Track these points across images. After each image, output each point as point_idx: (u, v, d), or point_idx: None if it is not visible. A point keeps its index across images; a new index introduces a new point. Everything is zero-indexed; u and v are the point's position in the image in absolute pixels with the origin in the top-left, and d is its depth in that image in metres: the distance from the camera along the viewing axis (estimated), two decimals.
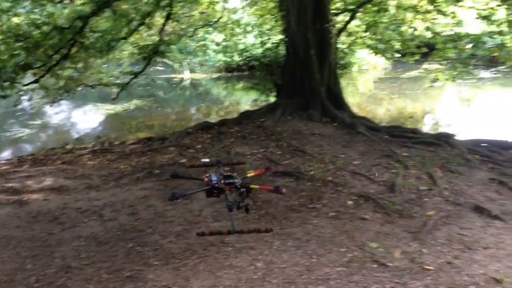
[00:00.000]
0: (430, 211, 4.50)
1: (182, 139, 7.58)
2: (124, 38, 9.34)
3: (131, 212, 4.79)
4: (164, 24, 10.33)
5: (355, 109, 11.63)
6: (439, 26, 11.33)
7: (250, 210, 4.31)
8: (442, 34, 11.34)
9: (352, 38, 11.92)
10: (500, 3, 9.70)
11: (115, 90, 10.64)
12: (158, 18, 10.73)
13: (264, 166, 5.27)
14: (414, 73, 18.54)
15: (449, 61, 11.71)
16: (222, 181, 3.27)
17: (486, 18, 10.49)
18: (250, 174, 3.82)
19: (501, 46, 11.16)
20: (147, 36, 11.36)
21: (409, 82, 17.38)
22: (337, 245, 3.88)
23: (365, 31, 10.99)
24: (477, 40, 11.17)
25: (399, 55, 12.86)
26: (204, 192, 3.30)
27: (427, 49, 11.94)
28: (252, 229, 3.51)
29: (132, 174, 6.00)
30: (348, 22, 9.54)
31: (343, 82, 16.29)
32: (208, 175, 3.38)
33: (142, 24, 9.44)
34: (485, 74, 17.67)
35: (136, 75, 10.08)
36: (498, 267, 3.41)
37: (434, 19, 10.61)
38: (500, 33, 10.54)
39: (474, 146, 6.98)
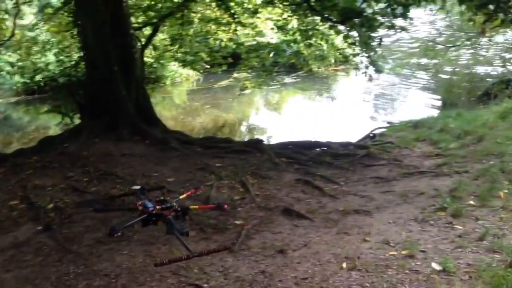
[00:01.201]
0: (242, 220, 4.50)
1: None
2: None
3: None
4: None
5: (171, 123, 11.49)
6: (241, 37, 11.88)
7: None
8: (245, 44, 11.92)
9: (159, 51, 11.74)
10: (291, 14, 10.52)
11: None
12: None
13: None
14: (225, 82, 19.21)
15: (253, 69, 12.36)
16: (158, 207, 3.14)
17: (281, 28, 11.32)
18: (182, 196, 3.66)
19: (297, 53, 12.17)
20: None
21: (221, 91, 17.98)
22: (151, 274, 3.57)
23: (171, 44, 10.89)
24: (276, 49, 12.03)
25: (208, 66, 13.22)
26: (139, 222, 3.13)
27: (232, 60, 12.48)
28: (212, 250, 3.33)
29: None
30: (151, 35, 9.28)
31: (157, 97, 16.09)
32: (140, 202, 3.23)
33: None
34: (287, 79, 19.23)
35: None
36: (307, 267, 3.50)
37: (235, 30, 11.03)
38: (295, 41, 11.51)
39: (281, 149, 7.38)
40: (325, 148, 7.46)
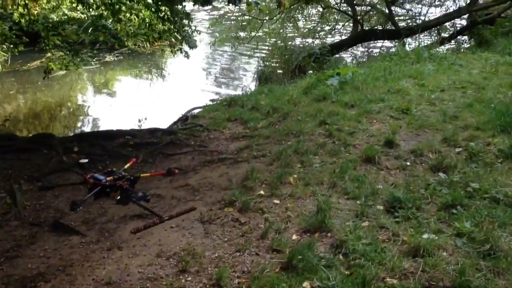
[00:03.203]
0: None
1: None
2: None
3: None
4: None
5: None
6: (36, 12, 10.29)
7: None
8: (43, 20, 10.38)
9: None
10: None
11: None
12: None
13: None
14: (37, 63, 16.99)
15: (58, 48, 10.88)
16: (109, 178, 3.21)
17: (81, 2, 10.04)
18: (127, 165, 3.85)
19: (104, 29, 11.00)
20: None
21: (32, 74, 15.83)
22: None
23: None
24: (81, 25, 10.73)
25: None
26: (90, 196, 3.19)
27: (28, 39, 10.83)
28: (180, 212, 3.80)
29: None
30: None
31: None
32: (89, 176, 3.33)
33: None
34: (109, 58, 17.75)
35: None
36: None
37: (25, 5, 9.43)
38: (101, 16, 10.33)
39: (78, 143, 6.42)
40: (129, 137, 6.68)
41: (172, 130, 7.12)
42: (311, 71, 10.18)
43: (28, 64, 16.99)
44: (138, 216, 3.97)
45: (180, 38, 10.12)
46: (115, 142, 6.57)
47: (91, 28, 11.22)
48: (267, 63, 12.53)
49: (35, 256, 3.48)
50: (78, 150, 5.81)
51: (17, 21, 10.32)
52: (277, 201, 4.07)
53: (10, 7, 10.26)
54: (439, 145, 4.95)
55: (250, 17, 13.19)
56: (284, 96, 7.90)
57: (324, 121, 6.07)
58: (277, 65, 12.50)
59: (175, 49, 10.43)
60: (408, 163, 4.66)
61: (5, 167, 5.38)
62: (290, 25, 15.20)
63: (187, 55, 10.26)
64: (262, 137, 6.11)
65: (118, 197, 3.26)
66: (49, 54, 11.73)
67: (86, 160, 4.81)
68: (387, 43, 14.06)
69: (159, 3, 8.55)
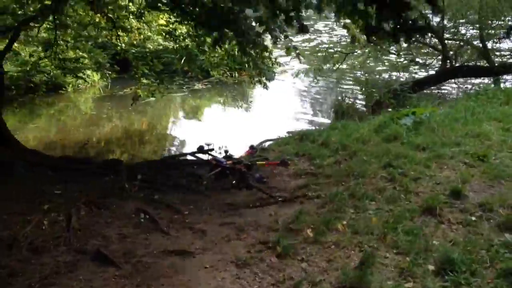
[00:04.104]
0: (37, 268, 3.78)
1: None
2: None
3: None
4: None
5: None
6: (128, 42, 11.12)
7: None
8: (133, 50, 11.19)
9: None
10: (178, 19, 9.88)
11: None
12: None
13: None
14: (132, 89, 18.22)
15: (148, 76, 11.59)
16: (229, 162, 3.32)
17: (170, 34, 10.65)
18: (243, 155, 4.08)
19: (189, 60, 11.51)
20: None
21: (126, 99, 17.00)
22: None
23: (45, 50, 9.90)
24: (169, 55, 11.36)
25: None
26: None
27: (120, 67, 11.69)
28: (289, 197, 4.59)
29: None
30: (11, 41, 8.27)
31: (60, 105, 14.97)
32: (212, 158, 3.49)
33: None
34: (198, 86, 18.51)
35: None
36: None
37: (118, 35, 10.22)
38: (186, 48, 10.86)
39: (147, 169, 6.71)
40: (195, 167, 6.82)
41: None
42: (390, 109, 9.77)
43: (124, 90, 18.29)
44: (177, 253, 4.00)
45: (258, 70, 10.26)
46: (181, 171, 6.74)
47: (180, 58, 11.85)
48: (346, 97, 12.25)
49: (68, 286, 3.59)
50: (141, 177, 6.03)
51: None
52: (320, 249, 3.88)
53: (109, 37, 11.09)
54: None
55: (336, 50, 13.07)
56: (355, 134, 7.63)
57: (390, 164, 5.73)
58: (357, 100, 12.20)
59: (255, 80, 10.60)
60: (474, 218, 4.22)
61: (75, 189, 5.73)
62: (378, 58, 14.85)
63: (265, 87, 10.40)
64: (323, 176, 5.92)
65: (234, 181, 3.34)
66: (144, 81, 12.43)
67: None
68: (486, 81, 13.10)
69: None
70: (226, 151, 4.11)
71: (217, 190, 5.92)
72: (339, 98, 12.28)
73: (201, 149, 5.38)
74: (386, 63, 16.31)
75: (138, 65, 11.02)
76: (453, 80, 13.34)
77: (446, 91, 13.46)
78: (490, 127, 6.67)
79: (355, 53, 13.21)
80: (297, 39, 24.08)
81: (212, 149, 4.63)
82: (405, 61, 15.24)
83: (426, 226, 4.16)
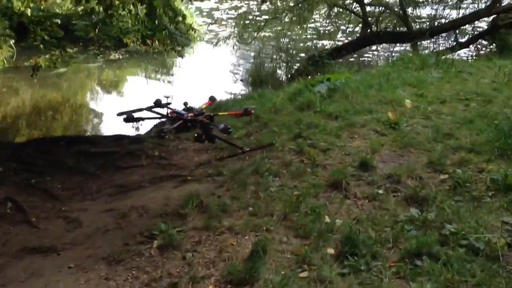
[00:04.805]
0: None
1: None
2: None
3: None
4: None
5: None
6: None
7: None
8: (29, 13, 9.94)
9: None
10: None
11: None
12: None
13: None
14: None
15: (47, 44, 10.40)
16: (190, 114, 3.37)
17: None
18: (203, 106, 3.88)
19: (96, 25, 10.44)
20: None
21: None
22: None
23: None
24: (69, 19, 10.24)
25: None
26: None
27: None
28: (256, 147, 4.50)
29: None
30: None
31: None
32: (171, 110, 3.54)
33: None
34: (114, 55, 17.24)
35: None
36: None
37: None
38: (92, 11, 9.80)
39: (31, 149, 5.86)
40: (87, 145, 6.05)
41: (140, 138, 6.46)
42: (310, 77, 9.40)
43: (31, 60, 16.67)
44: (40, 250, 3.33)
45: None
46: (72, 150, 5.95)
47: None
48: (267, 65, 11.74)
49: None
50: (21, 159, 5.21)
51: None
52: (210, 236, 3.37)
53: None
54: (422, 170, 4.16)
55: (253, 17, 12.48)
56: (271, 103, 7.15)
57: (300, 134, 5.32)
58: (276, 67, 11.74)
59: (168, 48, 9.83)
60: (381, 191, 3.88)
61: None
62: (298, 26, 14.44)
63: (180, 54, 9.70)
64: (229, 150, 5.40)
65: (196, 134, 3.09)
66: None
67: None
68: (409, 48, 13.06)
69: None
70: (185, 103, 3.81)
71: (110, 170, 5.28)
72: (259, 66, 11.76)
73: (158, 103, 4.94)
74: (313, 32, 15.99)
75: (36, 30, 9.82)
76: (374, 48, 13.25)
77: (369, 59, 13.37)
78: (404, 93, 6.44)
79: (280, 21, 12.68)
80: (224, 6, 23.32)
81: (170, 103, 4.32)
82: (331, 29, 14.98)
83: (331, 203, 3.77)
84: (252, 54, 14.01)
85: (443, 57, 8.19)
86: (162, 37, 10.36)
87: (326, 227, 3.36)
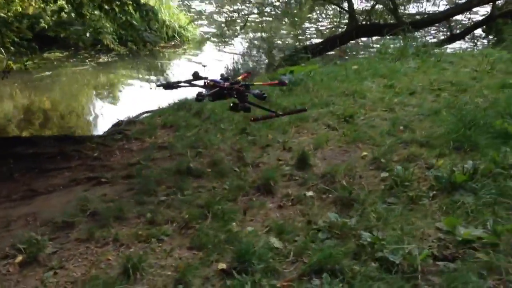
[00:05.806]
0: None
1: None
2: None
3: None
4: None
5: None
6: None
7: None
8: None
9: None
10: None
11: None
12: None
13: None
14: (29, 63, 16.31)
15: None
16: (227, 83, 3.35)
17: None
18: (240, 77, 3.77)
19: (64, 25, 10.02)
20: None
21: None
22: None
23: None
24: (37, 19, 9.80)
25: None
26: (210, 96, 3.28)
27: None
28: (289, 111, 4.36)
29: None
30: None
31: None
32: (208, 79, 3.48)
33: None
34: (104, 58, 16.84)
35: None
36: None
37: None
38: (61, 10, 9.39)
39: None
40: (24, 147, 5.56)
41: (83, 138, 5.97)
42: None
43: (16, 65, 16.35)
44: None
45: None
46: (7, 151, 5.48)
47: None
48: (247, 61, 11.19)
49: None
50: None
51: None
52: (88, 249, 2.82)
53: None
54: (364, 167, 3.57)
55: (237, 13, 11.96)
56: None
57: (245, 130, 4.77)
58: (256, 65, 11.19)
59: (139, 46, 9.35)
60: (310, 193, 3.30)
61: None
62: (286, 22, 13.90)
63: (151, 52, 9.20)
64: (168, 149, 4.88)
65: (232, 104, 3.28)
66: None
67: None
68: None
69: None
70: (222, 74, 3.42)
71: (33, 173, 4.77)
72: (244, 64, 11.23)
73: (196, 75, 4.71)
74: (306, 30, 15.43)
75: (5, 31, 9.42)
76: (362, 43, 12.62)
77: (354, 53, 12.72)
78: (372, 85, 5.84)
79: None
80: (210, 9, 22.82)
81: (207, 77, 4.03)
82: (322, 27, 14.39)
83: (249, 208, 3.20)
84: (238, 52, 13.50)
85: (423, 47, 7.52)
86: (132, 36, 9.90)
87: (229, 237, 2.79)
